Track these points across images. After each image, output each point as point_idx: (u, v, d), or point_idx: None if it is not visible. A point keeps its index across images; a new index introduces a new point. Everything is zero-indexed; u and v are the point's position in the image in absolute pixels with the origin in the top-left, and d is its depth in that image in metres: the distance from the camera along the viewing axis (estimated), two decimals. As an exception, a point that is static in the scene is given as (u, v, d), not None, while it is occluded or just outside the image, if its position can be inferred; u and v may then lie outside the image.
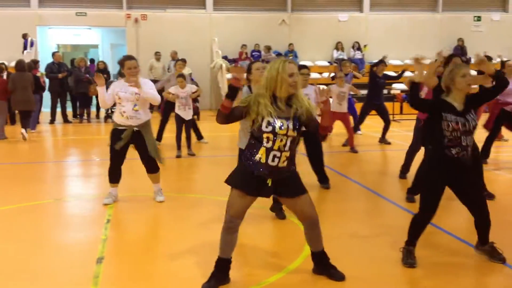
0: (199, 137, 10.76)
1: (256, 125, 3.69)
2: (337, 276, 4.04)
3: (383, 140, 10.63)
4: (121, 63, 6.03)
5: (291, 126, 3.69)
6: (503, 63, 11.12)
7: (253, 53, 17.76)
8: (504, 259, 4.35)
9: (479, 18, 19.41)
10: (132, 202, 6.35)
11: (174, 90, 9.23)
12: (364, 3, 18.99)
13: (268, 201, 6.25)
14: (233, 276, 4.03)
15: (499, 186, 7.27)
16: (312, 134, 6.46)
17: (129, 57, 6.10)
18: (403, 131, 12.31)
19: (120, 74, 15.20)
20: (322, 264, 4.10)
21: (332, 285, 4.01)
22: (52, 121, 14.66)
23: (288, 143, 3.71)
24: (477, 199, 4.28)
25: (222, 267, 3.91)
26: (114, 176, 6.19)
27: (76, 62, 15.07)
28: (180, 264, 4.45)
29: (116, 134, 5.98)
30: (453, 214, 5.66)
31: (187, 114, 9.26)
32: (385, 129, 10.61)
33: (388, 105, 14.86)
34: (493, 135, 8.33)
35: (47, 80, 14.53)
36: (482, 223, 4.34)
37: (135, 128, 5.96)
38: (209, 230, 5.13)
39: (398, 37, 18.56)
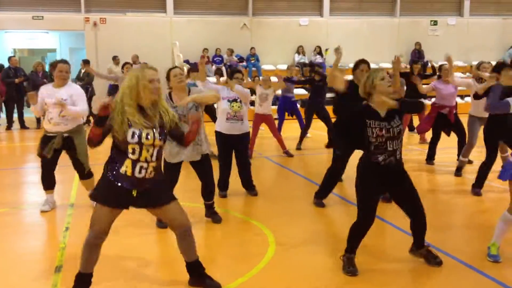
0: None
1: (120, 136, 3.50)
2: (212, 286, 3.90)
3: (331, 143, 10.69)
4: (54, 65, 5.95)
5: (157, 135, 3.56)
6: (434, 68, 11.47)
7: (215, 58, 17.73)
8: (441, 262, 4.41)
9: (435, 23, 19.91)
10: (91, 209, 6.20)
11: None
12: (324, 8, 19.22)
13: (232, 205, 6.26)
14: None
15: (441, 187, 7.48)
16: (238, 144, 6.52)
17: (63, 61, 6.01)
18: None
19: (79, 78, 14.96)
20: (197, 275, 3.95)
21: (295, 288, 4.03)
22: (9, 127, 14.27)
23: (155, 153, 3.59)
24: (413, 203, 4.29)
25: (83, 283, 3.76)
26: (48, 182, 6.09)
27: (33, 66, 14.71)
28: (139, 269, 4.39)
29: (46, 141, 5.89)
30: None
31: None
32: (330, 132, 10.63)
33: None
34: (436, 139, 8.60)
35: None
36: (419, 226, 4.38)
37: (65, 134, 5.86)
38: (166, 233, 5.09)
39: (358, 41, 18.85)
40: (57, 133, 5.84)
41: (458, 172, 7.94)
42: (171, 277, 4.22)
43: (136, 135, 3.50)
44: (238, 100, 6.48)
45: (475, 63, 19.05)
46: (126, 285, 4.12)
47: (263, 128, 10.17)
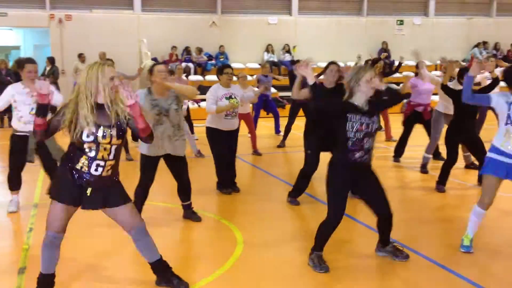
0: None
1: (76, 134, 3.42)
2: (179, 285, 3.86)
3: None
4: (21, 64, 5.75)
5: (114, 133, 3.49)
6: (400, 65, 11.61)
7: (184, 55, 17.60)
8: (407, 256, 4.48)
9: (401, 22, 20.21)
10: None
11: None
12: (292, 7, 19.30)
13: (202, 204, 6.22)
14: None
15: (407, 184, 7.60)
16: (232, 139, 6.55)
17: (31, 60, 5.88)
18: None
19: (44, 76, 14.65)
20: (163, 274, 3.89)
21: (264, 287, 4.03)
22: (-29, 125, 13.88)
23: (113, 152, 3.53)
24: (381, 201, 4.33)
25: (46, 284, 3.71)
26: (15, 183, 5.96)
27: (-4, 64, 14.33)
28: (104, 271, 4.33)
29: (16, 140, 5.76)
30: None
31: None
32: (287, 130, 10.72)
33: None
34: (406, 136, 8.71)
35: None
36: (386, 224, 4.43)
37: None
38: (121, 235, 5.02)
39: (326, 40, 19.00)
40: (29, 132, 5.68)
41: (423, 168, 8.06)
42: (146, 277, 4.12)
43: (91, 135, 3.43)
44: (234, 97, 6.53)
45: (439, 62, 19.45)
46: (97, 285, 4.06)
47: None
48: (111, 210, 3.68)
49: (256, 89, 9.18)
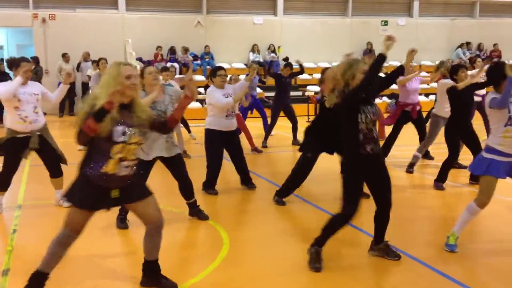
0: None
1: (104, 135, 3.37)
2: (168, 286, 3.87)
3: (295, 141, 10.83)
4: (17, 63, 5.64)
5: (138, 132, 3.52)
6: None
7: (169, 55, 17.54)
8: (399, 256, 4.51)
9: (386, 23, 20.34)
10: (39, 210, 6.08)
11: None
12: (278, 7, 19.33)
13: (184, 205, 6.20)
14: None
15: (396, 183, 7.65)
16: (234, 139, 6.58)
17: (26, 59, 5.81)
18: (318, 131, 12.61)
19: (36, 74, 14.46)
20: (152, 274, 3.90)
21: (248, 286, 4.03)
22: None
23: (136, 151, 3.58)
24: (386, 192, 4.37)
25: (38, 282, 3.62)
26: (5, 184, 5.86)
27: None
28: (89, 272, 4.30)
29: (16, 143, 5.59)
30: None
31: None
32: (294, 130, 10.80)
33: (303, 106, 15.36)
34: (394, 134, 8.75)
35: None
36: (384, 217, 4.44)
37: (38, 133, 5.69)
38: (120, 237, 5.01)
39: (311, 40, 19.05)
40: (31, 132, 5.62)
41: (410, 168, 8.11)
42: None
43: (122, 134, 3.42)
44: (230, 96, 6.54)
45: (424, 62, 19.64)
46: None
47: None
48: (135, 204, 3.69)
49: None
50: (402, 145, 9.16)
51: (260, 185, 7.20)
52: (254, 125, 12.72)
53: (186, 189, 5.57)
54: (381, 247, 4.56)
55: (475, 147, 6.78)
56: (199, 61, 17.87)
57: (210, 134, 6.63)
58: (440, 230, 5.39)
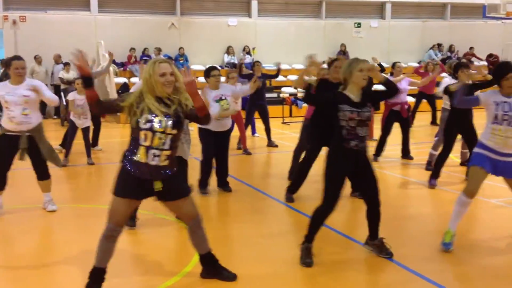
0: (94, 144, 10.30)
1: (134, 121, 3.60)
2: (229, 277, 4.05)
3: (270, 143, 10.83)
4: (7, 63, 5.68)
5: (170, 123, 3.61)
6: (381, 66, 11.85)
7: (143, 58, 17.36)
8: (392, 254, 4.56)
9: (359, 25, 20.53)
10: (21, 213, 6.01)
11: (72, 96, 8.85)
12: (252, 9, 19.34)
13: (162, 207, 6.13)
14: (127, 282, 3.89)
15: (385, 183, 7.71)
16: (223, 140, 6.57)
17: (17, 57, 5.78)
18: (293, 133, 12.66)
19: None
20: (211, 266, 4.09)
21: (225, 286, 4.00)
22: None
23: (168, 141, 3.63)
24: (373, 190, 4.47)
25: (97, 277, 3.77)
26: (1, 183, 5.78)
27: None
28: (70, 276, 4.23)
29: (6, 140, 5.63)
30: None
31: (83, 123, 8.93)
32: (268, 131, 10.81)
33: (278, 108, 15.41)
34: (386, 134, 8.86)
35: None
36: (374, 214, 4.53)
37: (27, 133, 5.64)
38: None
39: (285, 42, 19.11)
40: (21, 132, 5.59)
41: (429, 165, 8.10)
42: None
43: (148, 122, 3.55)
44: (224, 98, 6.54)
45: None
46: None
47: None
48: (174, 203, 3.83)
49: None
50: (395, 144, 9.25)
51: (235, 187, 7.18)
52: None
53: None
54: (375, 243, 4.64)
55: (473, 145, 6.88)
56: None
57: (201, 133, 6.65)
58: (422, 230, 5.45)
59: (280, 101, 15.92)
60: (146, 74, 3.64)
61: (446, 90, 7.03)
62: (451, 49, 20.92)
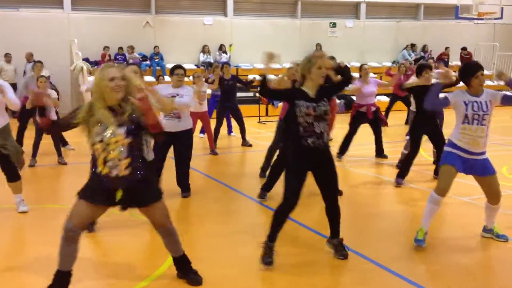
0: (64, 143, 10.14)
1: (90, 135, 3.55)
2: (194, 281, 4.04)
3: (244, 142, 10.83)
4: None
5: (122, 132, 3.50)
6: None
7: (117, 56, 17.19)
8: (347, 255, 4.55)
9: (334, 25, 20.65)
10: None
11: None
12: (228, 8, 19.29)
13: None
14: (93, 286, 3.84)
15: (351, 181, 7.79)
16: (176, 143, 6.42)
17: None
18: (269, 132, 12.68)
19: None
20: (183, 269, 4.10)
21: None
22: None
23: (125, 150, 3.51)
24: (334, 187, 4.48)
25: (61, 281, 3.69)
26: None
27: None
28: (40, 278, 4.16)
29: None
30: (312, 209, 5.92)
31: None
32: (242, 131, 10.79)
33: (254, 107, 15.42)
34: (351, 133, 8.93)
35: None
36: (334, 212, 4.53)
37: None
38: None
39: (262, 41, 19.06)
40: None
41: (399, 163, 8.16)
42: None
43: (100, 134, 3.49)
44: (176, 97, 6.34)
45: (371, 63, 20.05)
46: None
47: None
48: (143, 209, 3.78)
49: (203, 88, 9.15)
50: (358, 143, 9.31)
51: (210, 186, 7.16)
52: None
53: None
54: (333, 242, 4.63)
55: (438, 145, 6.99)
56: (148, 62, 17.61)
57: None
58: (394, 228, 5.51)
59: (256, 100, 15.93)
60: (95, 81, 3.57)
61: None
62: (424, 49, 21.19)
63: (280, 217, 4.38)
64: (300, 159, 4.31)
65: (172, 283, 4.09)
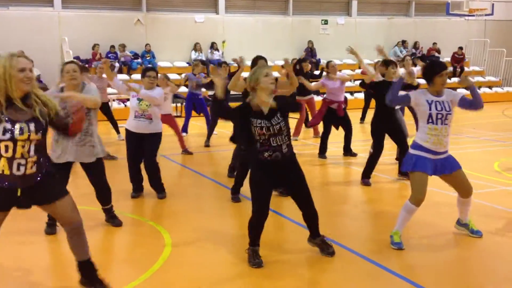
0: None
1: None
2: None
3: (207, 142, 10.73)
4: None
5: (33, 128, 3.26)
6: (322, 69, 11.82)
7: (109, 54, 17.11)
8: (333, 252, 4.56)
9: (326, 22, 20.67)
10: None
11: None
12: (219, 5, 19.25)
13: (127, 205, 6.05)
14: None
15: (330, 179, 7.81)
16: (144, 143, 6.35)
17: None
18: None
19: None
20: (88, 276, 3.76)
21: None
22: None
23: (33, 148, 3.29)
24: (302, 193, 4.44)
25: None
26: None
27: None
28: (27, 277, 4.14)
29: None
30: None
31: None
32: (211, 130, 10.73)
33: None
34: (327, 132, 8.98)
35: None
36: (311, 218, 4.53)
37: None
38: (54, 240, 4.86)
39: (253, 38, 19.10)
40: None
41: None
42: (61, 284, 4.01)
43: (7, 131, 3.20)
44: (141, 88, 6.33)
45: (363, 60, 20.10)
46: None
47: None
48: (50, 206, 3.54)
49: (167, 88, 9.10)
50: (338, 141, 9.33)
51: (203, 184, 7.15)
52: (198, 124, 12.67)
53: (102, 196, 5.38)
54: (316, 242, 4.63)
55: (400, 144, 6.98)
56: (139, 60, 17.55)
57: (125, 133, 6.52)
58: (374, 224, 5.52)
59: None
60: (0, 69, 3.19)
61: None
62: (415, 45, 21.26)
63: (255, 228, 4.36)
64: (260, 173, 4.28)
65: (163, 283, 4.08)
